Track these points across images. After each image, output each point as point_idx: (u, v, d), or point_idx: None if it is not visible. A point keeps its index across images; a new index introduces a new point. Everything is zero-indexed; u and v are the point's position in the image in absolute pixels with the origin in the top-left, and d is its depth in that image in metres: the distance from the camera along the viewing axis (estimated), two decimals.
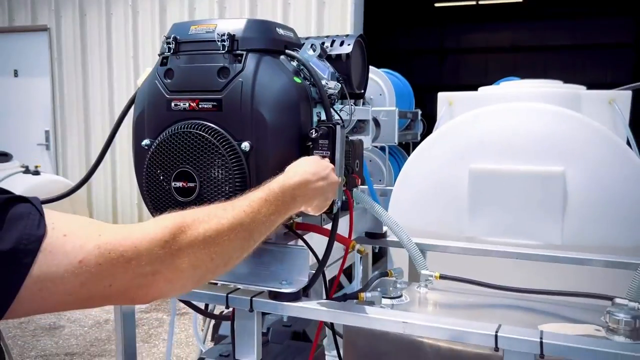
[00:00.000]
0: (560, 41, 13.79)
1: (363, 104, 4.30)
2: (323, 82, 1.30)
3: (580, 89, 2.80)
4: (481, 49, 14.54)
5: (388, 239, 1.93)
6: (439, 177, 2.38)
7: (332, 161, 1.22)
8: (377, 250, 2.69)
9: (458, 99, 2.99)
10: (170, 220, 0.84)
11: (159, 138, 1.24)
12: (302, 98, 1.25)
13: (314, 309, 1.24)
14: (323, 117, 1.30)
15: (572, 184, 2.14)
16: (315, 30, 5.48)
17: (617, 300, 1.39)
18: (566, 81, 2.90)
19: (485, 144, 2.28)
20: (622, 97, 2.68)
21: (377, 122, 3.24)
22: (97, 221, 0.82)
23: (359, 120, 3.14)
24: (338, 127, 1.23)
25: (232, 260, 0.92)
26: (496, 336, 1.08)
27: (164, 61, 1.28)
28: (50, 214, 0.76)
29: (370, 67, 4.17)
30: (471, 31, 14.61)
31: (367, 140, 3.21)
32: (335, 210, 1.27)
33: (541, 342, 1.04)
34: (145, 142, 1.28)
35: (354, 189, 1.81)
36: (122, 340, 1.50)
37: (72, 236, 0.74)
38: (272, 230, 1.00)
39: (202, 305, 1.56)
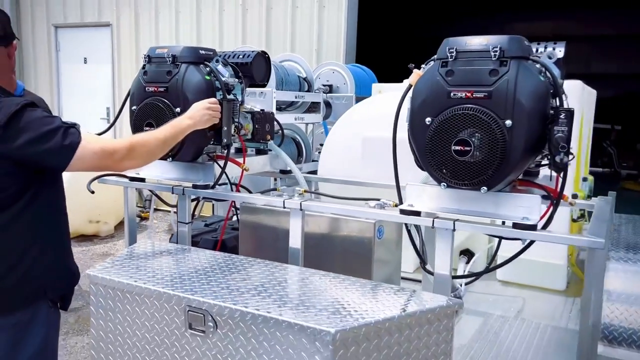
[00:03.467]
0: (604, 31, 13.44)
1: (330, 91, 5.50)
2: (223, 78, 2.49)
3: None
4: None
5: (292, 174, 3.12)
6: (347, 142, 3.53)
7: (221, 121, 2.41)
8: None
9: (385, 88, 4.12)
10: (130, 139, 2.05)
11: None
12: (209, 88, 2.45)
13: (215, 192, 2.48)
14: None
15: None
16: (317, 29, 6.69)
17: (381, 200, 2.52)
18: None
19: (373, 119, 3.41)
20: None
21: (328, 104, 4.38)
22: (97, 136, 2.06)
23: (312, 103, 4.35)
24: (225, 102, 2.43)
25: (156, 156, 2.13)
26: (284, 202, 2.27)
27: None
28: (84, 133, 1.99)
29: (337, 62, 5.33)
30: (513, 20, 14.76)
31: (318, 117, 4.43)
32: (223, 144, 2.47)
33: (300, 204, 2.23)
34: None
35: (270, 142, 2.98)
36: (127, 209, 2.80)
37: (91, 143, 1.94)
38: (178, 141, 2.19)
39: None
